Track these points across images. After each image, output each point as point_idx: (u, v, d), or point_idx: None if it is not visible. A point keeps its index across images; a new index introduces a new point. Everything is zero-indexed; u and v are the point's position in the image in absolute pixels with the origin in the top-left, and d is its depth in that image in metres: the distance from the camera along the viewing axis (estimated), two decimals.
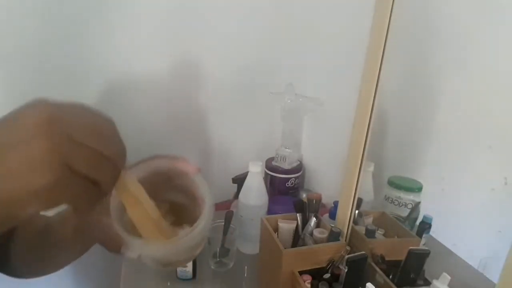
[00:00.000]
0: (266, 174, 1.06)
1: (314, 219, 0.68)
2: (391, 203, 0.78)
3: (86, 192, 0.26)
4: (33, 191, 0.23)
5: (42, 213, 0.26)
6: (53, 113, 0.24)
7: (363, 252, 0.59)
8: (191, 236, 0.31)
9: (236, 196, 0.93)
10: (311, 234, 0.67)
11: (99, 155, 0.25)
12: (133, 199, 0.30)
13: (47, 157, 0.23)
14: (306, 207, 0.70)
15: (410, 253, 0.58)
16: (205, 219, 0.32)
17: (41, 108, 0.24)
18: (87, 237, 0.40)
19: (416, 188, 0.76)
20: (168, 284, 0.76)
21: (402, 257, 0.59)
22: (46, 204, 0.25)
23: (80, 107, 0.26)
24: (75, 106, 0.26)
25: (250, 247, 0.85)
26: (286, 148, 1.06)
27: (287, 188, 1.05)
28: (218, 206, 1.06)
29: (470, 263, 0.71)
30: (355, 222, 0.70)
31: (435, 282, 0.51)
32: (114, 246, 0.33)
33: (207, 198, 0.34)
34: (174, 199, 0.37)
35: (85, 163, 0.25)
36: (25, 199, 0.24)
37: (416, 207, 0.75)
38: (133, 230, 0.32)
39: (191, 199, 0.36)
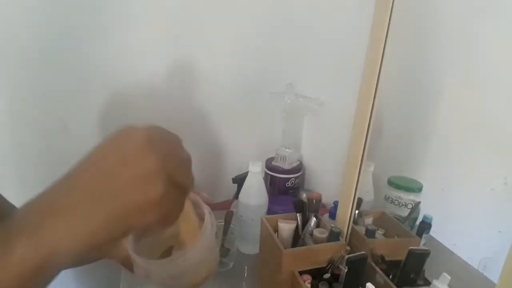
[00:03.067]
0: (266, 174, 1.06)
1: (314, 219, 0.68)
2: (391, 203, 0.78)
3: (179, 201, 0.30)
4: (149, 202, 0.26)
5: None
6: (152, 134, 0.28)
7: (363, 252, 0.59)
8: (189, 254, 0.33)
9: (236, 196, 0.93)
10: (311, 234, 0.67)
11: (188, 166, 0.31)
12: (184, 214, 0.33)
13: (158, 171, 0.26)
14: (306, 207, 0.70)
15: (410, 253, 0.58)
16: (204, 239, 0.34)
17: (140, 131, 0.27)
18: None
19: (416, 188, 0.76)
20: None
21: (402, 257, 0.59)
22: (158, 214, 0.28)
23: (158, 127, 0.30)
24: (156, 126, 0.30)
25: (250, 247, 0.85)
26: (286, 148, 1.06)
27: (287, 188, 1.05)
28: (218, 206, 1.06)
29: (470, 263, 0.71)
30: (355, 222, 0.70)
31: (435, 282, 0.51)
32: (129, 265, 0.35)
33: (208, 222, 0.36)
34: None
35: (181, 175, 0.29)
36: (142, 210, 0.26)
37: (416, 207, 0.75)
38: (149, 252, 0.34)
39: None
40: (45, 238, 0.24)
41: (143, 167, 0.26)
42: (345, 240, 0.67)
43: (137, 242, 0.34)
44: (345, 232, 0.68)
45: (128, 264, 0.36)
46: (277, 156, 1.06)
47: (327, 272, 0.61)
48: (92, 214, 0.25)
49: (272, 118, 1.08)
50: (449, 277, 0.50)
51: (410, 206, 0.76)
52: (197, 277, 0.36)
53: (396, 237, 0.69)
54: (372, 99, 0.60)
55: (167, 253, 0.37)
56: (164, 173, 0.27)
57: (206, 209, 0.37)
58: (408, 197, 0.76)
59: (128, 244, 0.33)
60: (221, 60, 1.00)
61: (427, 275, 0.59)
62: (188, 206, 0.35)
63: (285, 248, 0.60)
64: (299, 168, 1.08)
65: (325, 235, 0.65)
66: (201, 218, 0.37)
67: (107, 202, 0.26)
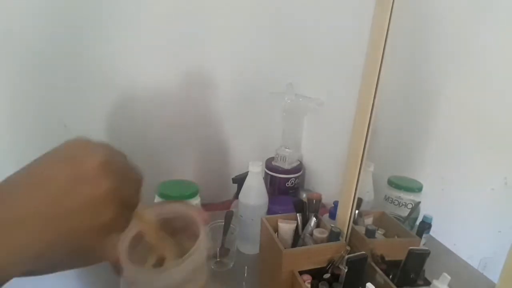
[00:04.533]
0: (266, 174, 1.06)
1: (314, 219, 0.68)
2: (391, 203, 0.78)
3: (127, 221, 0.30)
4: (99, 224, 0.26)
5: None
6: (106, 156, 0.27)
7: (363, 252, 0.59)
8: (180, 268, 0.33)
9: (236, 196, 0.93)
10: (311, 234, 0.67)
11: (138, 188, 0.30)
12: (147, 227, 0.34)
13: (112, 194, 0.26)
14: (306, 207, 0.70)
15: (410, 253, 0.58)
16: (196, 255, 0.34)
17: (96, 152, 0.27)
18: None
19: (416, 188, 0.76)
20: None
21: (402, 257, 0.59)
22: (106, 235, 0.28)
23: (110, 146, 0.30)
24: (108, 145, 0.29)
25: (250, 247, 0.85)
26: (286, 148, 1.06)
27: (287, 188, 1.05)
28: (218, 206, 1.06)
29: (470, 263, 0.71)
30: (355, 222, 0.70)
31: (435, 282, 0.51)
32: (118, 269, 0.35)
33: (202, 242, 0.35)
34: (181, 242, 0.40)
35: (131, 197, 0.29)
36: (92, 231, 0.26)
37: (416, 207, 0.75)
38: (139, 259, 0.34)
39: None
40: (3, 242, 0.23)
41: (98, 189, 0.26)
42: (345, 240, 0.67)
43: (132, 248, 0.34)
44: (345, 232, 0.68)
45: (118, 267, 0.35)
46: (277, 156, 1.06)
47: (327, 272, 0.61)
48: (42, 233, 0.24)
49: (272, 118, 1.08)
50: (449, 277, 0.50)
51: (410, 206, 0.76)
52: None
53: (396, 237, 0.69)
54: (372, 99, 0.60)
55: (158, 263, 0.37)
56: (117, 197, 0.27)
57: (203, 231, 0.36)
58: (408, 197, 0.76)
59: (120, 249, 0.33)
60: (221, 60, 1.00)
61: (427, 275, 0.59)
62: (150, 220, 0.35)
63: (285, 248, 0.60)
64: (299, 168, 1.08)
65: (325, 235, 0.65)
66: (196, 237, 0.36)
67: (59, 222, 0.25)
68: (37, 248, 0.24)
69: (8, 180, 0.25)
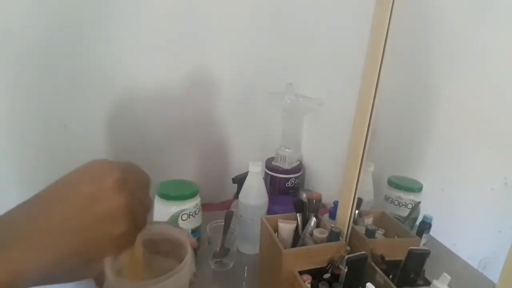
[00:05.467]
0: (266, 174, 1.06)
1: (314, 219, 0.68)
2: (391, 203, 0.78)
3: (134, 237, 0.32)
4: (111, 238, 0.29)
5: None
6: (125, 174, 0.30)
7: (363, 252, 0.59)
8: (161, 285, 0.33)
9: (236, 196, 0.93)
10: (311, 234, 0.67)
11: (147, 211, 0.33)
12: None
13: (123, 211, 0.29)
14: (306, 207, 0.70)
15: (410, 253, 0.58)
16: (177, 275, 0.34)
17: (114, 170, 0.30)
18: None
19: (416, 188, 0.76)
20: None
21: (402, 257, 0.59)
22: (116, 248, 0.31)
23: (131, 165, 0.33)
24: (129, 164, 0.32)
25: (250, 247, 0.85)
26: (286, 148, 1.06)
27: (287, 188, 1.05)
28: (218, 206, 1.06)
29: (470, 263, 0.71)
30: (355, 222, 0.70)
31: (435, 282, 0.51)
32: (100, 281, 0.36)
33: (187, 263, 0.36)
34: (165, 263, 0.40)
35: (141, 216, 0.31)
36: (104, 244, 0.29)
37: (416, 207, 0.75)
38: (122, 273, 0.35)
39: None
40: (12, 259, 0.25)
41: (112, 204, 0.28)
42: (345, 240, 0.67)
43: (114, 261, 0.35)
44: (345, 232, 0.68)
45: (99, 280, 0.37)
46: (277, 156, 1.06)
47: (327, 272, 0.61)
48: (60, 243, 0.27)
49: (272, 118, 1.08)
50: (449, 277, 0.50)
51: (410, 206, 0.76)
52: None
53: (396, 237, 0.69)
54: (372, 99, 0.60)
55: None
56: (129, 211, 0.29)
57: (189, 255, 0.37)
58: (408, 197, 0.76)
59: (105, 261, 0.33)
60: (221, 60, 1.00)
61: (427, 275, 0.59)
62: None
63: (285, 248, 0.60)
64: (299, 168, 1.08)
65: (325, 235, 0.65)
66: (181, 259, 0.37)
67: (75, 235, 0.28)
68: (58, 257, 0.27)
69: (39, 193, 0.29)
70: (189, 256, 0.37)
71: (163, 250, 0.39)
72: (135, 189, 0.31)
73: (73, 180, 0.29)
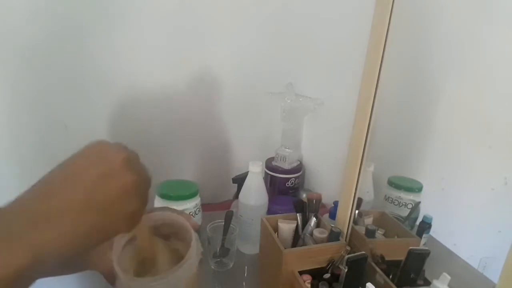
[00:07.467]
0: (266, 174, 1.06)
1: (314, 219, 0.68)
2: (391, 203, 0.78)
3: (142, 214, 0.32)
4: (127, 214, 0.30)
5: None
6: (127, 153, 0.30)
7: (363, 252, 0.59)
8: (173, 275, 0.34)
9: (236, 196, 0.93)
10: (311, 234, 0.67)
11: (149, 186, 0.33)
12: (139, 231, 0.35)
13: (133, 187, 0.29)
14: (306, 207, 0.70)
15: (410, 253, 0.58)
16: (187, 263, 0.35)
17: (117, 149, 0.30)
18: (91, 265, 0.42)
19: (416, 188, 0.76)
20: None
21: (402, 257, 0.59)
22: (130, 224, 0.31)
23: (125, 146, 0.32)
24: (123, 145, 0.32)
25: (250, 247, 0.85)
26: (286, 148, 1.06)
27: (287, 188, 1.05)
28: (218, 206, 1.06)
29: (470, 263, 0.71)
30: (355, 222, 0.70)
31: (435, 282, 0.51)
32: (111, 278, 0.36)
33: (192, 249, 0.36)
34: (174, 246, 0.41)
35: (146, 191, 0.32)
36: (120, 220, 0.30)
37: (416, 207, 0.75)
38: (129, 267, 0.36)
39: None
40: (33, 241, 0.25)
41: (124, 181, 0.29)
42: (345, 240, 0.67)
43: (121, 257, 0.35)
44: (345, 232, 0.68)
45: (110, 278, 0.37)
46: (277, 156, 1.06)
47: (327, 272, 0.61)
48: (79, 223, 0.27)
49: (272, 118, 1.08)
50: (449, 277, 0.50)
51: (410, 206, 0.76)
52: None
53: (396, 237, 0.69)
54: (372, 99, 0.60)
55: (140, 267, 0.38)
56: (139, 188, 0.30)
57: (194, 237, 0.37)
58: (408, 197, 0.76)
59: (113, 258, 0.33)
60: (221, 60, 1.00)
61: (427, 275, 0.59)
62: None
63: (285, 248, 0.60)
64: (299, 168, 1.08)
65: (325, 235, 0.65)
66: (188, 243, 0.37)
67: (94, 213, 0.28)
68: (77, 236, 0.27)
69: (45, 178, 0.28)
70: (194, 241, 0.37)
71: (164, 233, 0.40)
72: (138, 165, 0.31)
73: (79, 162, 0.29)
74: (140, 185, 0.30)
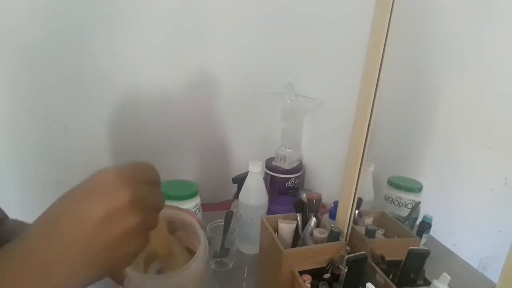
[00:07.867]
0: (266, 174, 1.06)
1: (314, 219, 0.68)
2: (391, 203, 0.78)
3: (147, 241, 0.32)
4: (126, 255, 0.30)
5: None
6: (134, 191, 0.29)
7: (363, 252, 0.59)
8: (184, 274, 0.34)
9: (236, 196, 0.93)
10: (311, 234, 0.67)
11: (160, 208, 0.33)
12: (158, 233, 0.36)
13: (137, 229, 0.29)
14: (306, 207, 0.70)
15: (410, 253, 0.58)
16: (197, 261, 0.35)
17: (124, 185, 0.29)
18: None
19: (416, 188, 0.76)
20: None
21: (402, 257, 0.59)
22: (133, 261, 0.31)
23: (137, 168, 0.32)
24: (136, 170, 0.32)
25: (250, 247, 0.85)
26: (286, 148, 1.06)
27: (287, 188, 1.05)
28: (218, 206, 1.06)
29: (470, 263, 0.71)
30: (355, 222, 0.70)
31: (435, 282, 0.51)
32: (119, 278, 0.37)
33: (202, 246, 0.37)
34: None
35: (154, 221, 0.32)
36: (126, 258, 0.30)
37: (416, 207, 0.75)
38: (137, 267, 0.36)
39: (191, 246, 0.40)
40: (52, 280, 0.27)
41: (128, 225, 0.29)
42: (345, 240, 0.67)
43: None
44: (345, 232, 0.68)
45: (118, 277, 0.37)
46: (277, 156, 1.06)
47: (327, 272, 0.61)
48: (81, 269, 0.28)
49: (272, 118, 1.08)
50: (449, 277, 0.50)
51: (410, 206, 0.76)
52: None
53: (396, 237, 0.69)
54: (372, 99, 0.60)
55: (145, 265, 0.38)
56: (144, 228, 0.30)
57: (202, 235, 0.38)
58: (408, 197, 0.76)
59: None
60: (221, 60, 1.00)
61: (427, 275, 0.59)
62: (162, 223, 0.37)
63: (285, 248, 0.60)
64: (299, 168, 1.08)
65: (325, 235, 0.65)
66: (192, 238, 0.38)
67: (97, 255, 0.28)
68: (79, 279, 0.29)
69: (48, 217, 0.29)
70: (203, 239, 0.37)
71: (170, 229, 0.40)
72: (147, 200, 0.31)
73: (83, 198, 0.29)
74: (146, 225, 0.30)
